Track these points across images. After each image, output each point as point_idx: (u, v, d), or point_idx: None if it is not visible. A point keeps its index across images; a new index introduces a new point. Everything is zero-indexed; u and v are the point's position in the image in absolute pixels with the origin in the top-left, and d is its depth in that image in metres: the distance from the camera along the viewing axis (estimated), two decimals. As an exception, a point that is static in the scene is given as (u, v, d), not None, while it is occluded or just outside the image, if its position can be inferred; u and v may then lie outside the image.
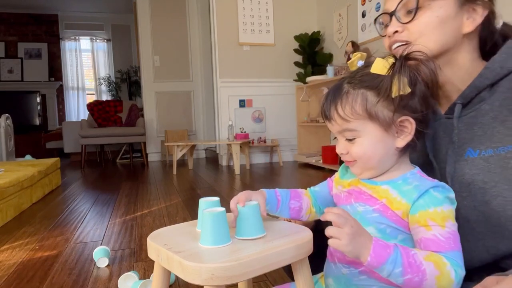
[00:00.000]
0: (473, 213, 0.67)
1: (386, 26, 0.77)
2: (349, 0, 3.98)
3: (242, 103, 4.52)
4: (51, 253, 1.60)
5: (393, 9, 0.73)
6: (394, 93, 0.62)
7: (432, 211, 0.60)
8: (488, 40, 0.74)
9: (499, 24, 0.74)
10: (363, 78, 0.65)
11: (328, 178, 0.81)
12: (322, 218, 0.58)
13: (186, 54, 5.62)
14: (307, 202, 0.80)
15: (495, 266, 0.68)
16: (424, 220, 0.60)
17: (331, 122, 0.67)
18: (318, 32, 4.52)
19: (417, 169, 0.67)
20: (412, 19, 0.70)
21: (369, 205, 0.66)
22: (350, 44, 3.74)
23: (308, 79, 4.16)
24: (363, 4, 3.75)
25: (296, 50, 4.53)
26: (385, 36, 0.76)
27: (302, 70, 4.49)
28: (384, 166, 0.67)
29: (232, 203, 0.69)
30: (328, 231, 0.57)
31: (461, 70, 0.72)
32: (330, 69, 3.88)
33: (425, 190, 0.61)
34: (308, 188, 0.83)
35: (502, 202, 0.63)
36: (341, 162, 0.73)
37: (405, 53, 0.64)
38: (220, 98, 4.45)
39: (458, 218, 0.67)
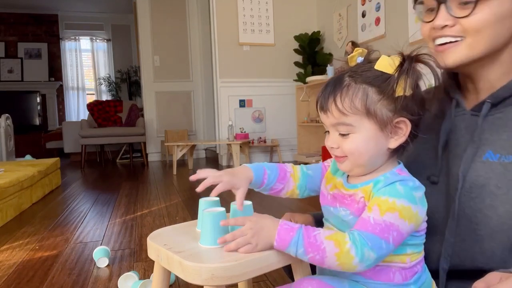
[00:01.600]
0: (478, 215, 0.66)
1: (428, 11, 0.70)
2: (349, 0, 3.98)
3: (242, 103, 4.52)
4: (51, 253, 1.60)
5: None
6: (398, 93, 0.61)
7: (384, 199, 0.60)
8: None
9: None
10: (366, 74, 0.64)
11: (321, 163, 0.80)
12: (220, 241, 0.65)
13: (186, 54, 5.62)
14: (291, 184, 0.77)
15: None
16: (372, 204, 0.61)
17: (327, 114, 0.66)
18: (318, 32, 4.52)
19: (398, 168, 0.66)
20: (470, 13, 0.64)
21: (349, 209, 0.66)
22: (350, 44, 3.73)
23: (308, 79, 4.16)
24: (363, 4, 3.75)
25: (296, 50, 4.53)
26: (426, 22, 0.70)
27: (302, 70, 4.49)
28: (373, 165, 0.66)
29: (207, 181, 0.70)
30: (231, 243, 0.63)
31: (501, 68, 0.69)
32: (330, 69, 3.88)
33: (391, 182, 0.62)
34: (300, 167, 0.80)
35: (510, 210, 0.63)
36: None
37: (414, 53, 0.63)
38: (220, 98, 4.45)
39: (461, 217, 0.66)
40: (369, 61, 0.66)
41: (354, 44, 3.71)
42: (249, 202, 0.73)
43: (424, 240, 0.66)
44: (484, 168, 0.66)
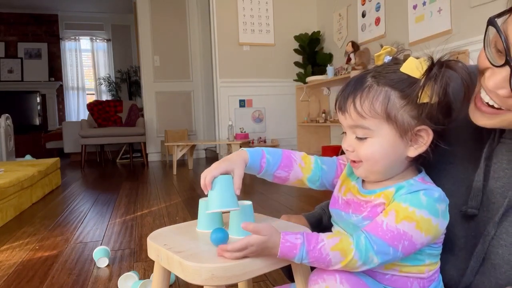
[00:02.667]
0: (504, 267, 0.61)
1: (498, 52, 0.56)
2: (349, 0, 3.98)
3: (242, 103, 4.52)
4: (51, 253, 1.60)
5: None
6: (423, 99, 0.58)
7: (404, 206, 0.58)
8: None
9: None
10: (390, 76, 0.60)
11: (336, 158, 0.77)
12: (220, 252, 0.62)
13: (186, 54, 5.62)
14: (299, 175, 0.74)
15: None
16: (389, 209, 0.59)
17: (345, 115, 0.62)
18: (318, 32, 4.52)
19: (420, 176, 0.64)
20: None
21: (363, 214, 0.64)
22: (350, 44, 3.74)
23: (308, 79, 4.16)
24: (363, 4, 3.75)
25: (296, 50, 4.53)
26: (494, 65, 0.55)
27: (302, 70, 4.49)
28: (390, 173, 0.64)
29: (207, 178, 0.65)
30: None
31: None
32: (330, 69, 3.88)
33: (414, 190, 0.59)
34: (314, 159, 0.76)
35: None
36: None
37: (444, 58, 0.59)
38: (220, 98, 4.45)
39: (486, 260, 0.62)
40: (395, 62, 0.62)
41: (354, 45, 3.72)
42: (249, 202, 0.72)
43: (440, 251, 0.65)
44: None
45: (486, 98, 0.58)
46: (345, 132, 0.65)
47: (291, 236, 0.60)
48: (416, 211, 0.57)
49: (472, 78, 0.59)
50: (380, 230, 0.57)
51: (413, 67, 0.59)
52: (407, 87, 0.59)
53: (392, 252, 0.57)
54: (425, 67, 0.58)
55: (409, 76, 0.59)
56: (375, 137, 0.61)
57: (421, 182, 0.62)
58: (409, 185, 0.61)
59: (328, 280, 0.58)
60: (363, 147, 0.62)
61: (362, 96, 0.60)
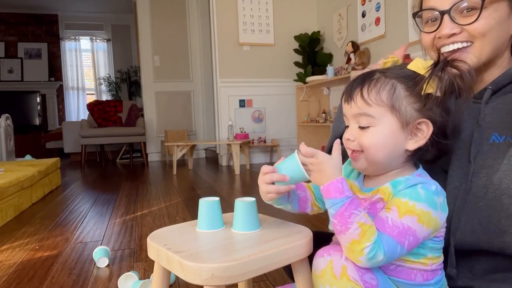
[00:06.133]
0: (482, 191, 0.67)
1: (429, 22, 0.76)
2: (349, 0, 3.98)
3: (242, 103, 4.52)
4: (51, 253, 1.60)
5: (445, 8, 0.72)
6: (427, 90, 0.61)
7: (404, 201, 0.59)
8: None
9: None
10: (397, 71, 0.65)
11: None
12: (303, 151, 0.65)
13: (186, 54, 5.62)
14: (310, 195, 0.78)
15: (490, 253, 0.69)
16: (390, 205, 0.60)
17: (350, 104, 0.65)
18: (318, 32, 4.52)
19: (417, 172, 0.66)
20: (476, 20, 0.69)
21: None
22: (350, 44, 3.74)
23: (308, 79, 4.16)
24: (363, 4, 3.75)
25: (296, 50, 4.53)
26: (428, 32, 0.76)
27: (302, 70, 4.49)
28: (388, 165, 0.65)
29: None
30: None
31: (498, 70, 0.74)
32: (330, 69, 3.88)
33: (412, 184, 0.61)
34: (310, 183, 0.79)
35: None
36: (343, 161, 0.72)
37: (449, 58, 0.63)
38: (220, 98, 4.45)
39: (468, 194, 0.69)
40: (402, 64, 0.68)
41: (354, 45, 3.72)
42: (252, 199, 0.74)
43: (443, 245, 0.66)
44: (492, 150, 0.68)
45: (449, 47, 0.73)
46: (348, 126, 0.68)
47: (346, 185, 0.61)
48: (416, 205, 0.59)
49: (474, 78, 0.64)
50: (387, 226, 0.59)
51: (419, 66, 0.64)
52: (412, 80, 0.63)
53: (399, 250, 0.58)
54: (430, 65, 0.63)
55: (414, 72, 0.63)
56: (377, 126, 0.63)
57: (418, 177, 0.64)
58: (406, 180, 0.62)
59: (334, 255, 0.60)
60: (365, 135, 0.64)
61: (370, 86, 0.64)
